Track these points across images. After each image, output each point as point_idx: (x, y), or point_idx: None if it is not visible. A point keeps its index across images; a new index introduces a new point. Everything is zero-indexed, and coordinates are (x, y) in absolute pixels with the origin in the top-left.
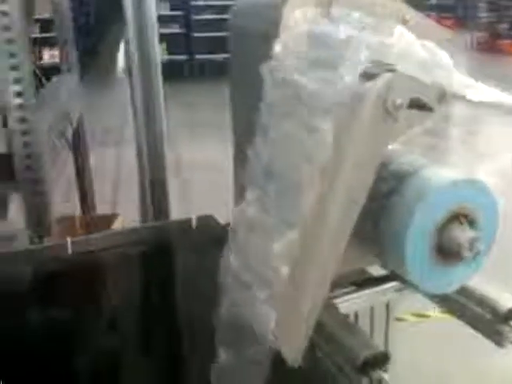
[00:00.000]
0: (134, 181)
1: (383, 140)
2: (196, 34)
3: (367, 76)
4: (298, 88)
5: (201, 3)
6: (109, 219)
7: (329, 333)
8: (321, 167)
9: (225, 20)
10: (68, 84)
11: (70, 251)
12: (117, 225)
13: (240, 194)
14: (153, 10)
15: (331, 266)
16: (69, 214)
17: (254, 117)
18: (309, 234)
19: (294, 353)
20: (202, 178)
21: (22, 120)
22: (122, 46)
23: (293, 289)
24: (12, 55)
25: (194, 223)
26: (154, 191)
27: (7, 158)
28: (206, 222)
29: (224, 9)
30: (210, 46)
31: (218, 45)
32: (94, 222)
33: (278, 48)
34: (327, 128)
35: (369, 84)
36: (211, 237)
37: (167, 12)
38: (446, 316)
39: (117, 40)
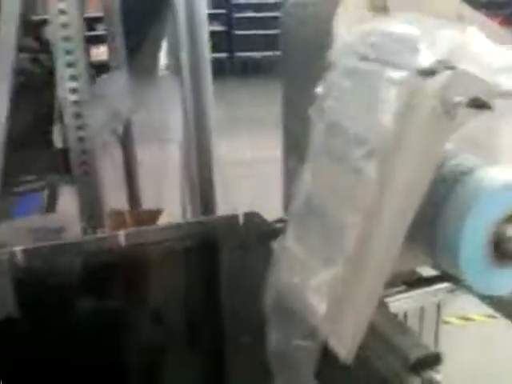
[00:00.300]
0: (178, 177)
1: (441, 138)
2: (237, 32)
3: (426, 73)
4: (342, 127)
5: (242, 1)
6: (154, 214)
7: (379, 332)
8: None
9: (266, 18)
10: (117, 81)
11: (123, 243)
12: (162, 220)
13: (288, 198)
14: (203, 7)
15: (386, 269)
16: (119, 209)
17: (307, 116)
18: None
19: (346, 351)
20: (248, 174)
21: (78, 116)
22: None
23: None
24: (68, 52)
25: (240, 220)
26: (201, 187)
27: (63, 152)
28: (252, 218)
29: (265, 7)
30: (251, 43)
31: (259, 42)
32: (141, 216)
33: (321, 89)
34: (371, 166)
35: (428, 81)
36: (257, 234)
37: (209, 10)
38: (491, 319)
39: (159, 37)
